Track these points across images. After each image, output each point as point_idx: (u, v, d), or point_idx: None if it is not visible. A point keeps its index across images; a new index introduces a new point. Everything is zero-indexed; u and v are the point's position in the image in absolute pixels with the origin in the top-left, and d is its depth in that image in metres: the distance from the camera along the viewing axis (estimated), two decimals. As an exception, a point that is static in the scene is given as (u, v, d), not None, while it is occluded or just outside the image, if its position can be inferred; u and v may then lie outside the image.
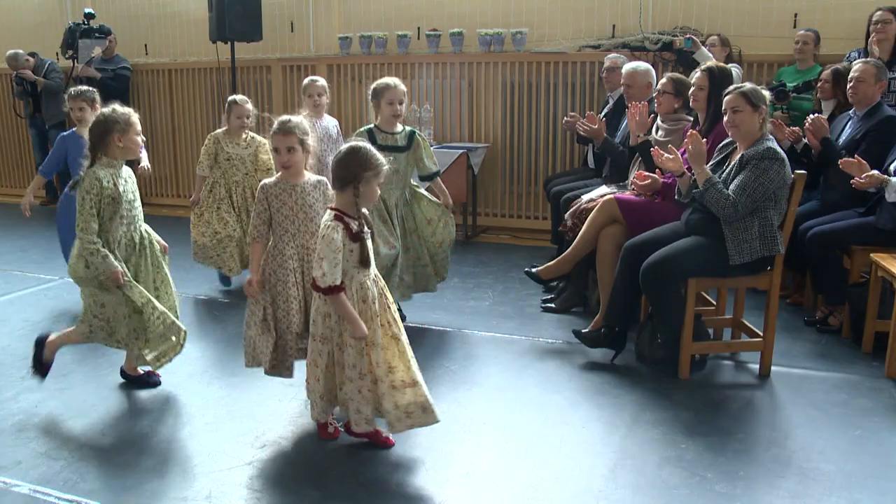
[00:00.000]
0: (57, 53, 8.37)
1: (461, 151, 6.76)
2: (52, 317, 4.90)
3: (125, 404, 3.70)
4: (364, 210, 3.07)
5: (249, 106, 5.28)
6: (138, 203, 3.73)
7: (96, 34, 7.93)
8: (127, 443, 3.32)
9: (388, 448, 3.23)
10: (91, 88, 5.03)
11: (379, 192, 3.10)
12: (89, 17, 7.85)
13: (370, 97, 4.48)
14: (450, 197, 4.67)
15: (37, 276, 5.75)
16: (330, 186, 3.02)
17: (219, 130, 5.34)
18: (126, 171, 3.67)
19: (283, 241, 3.46)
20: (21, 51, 8.32)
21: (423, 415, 3.10)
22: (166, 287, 3.79)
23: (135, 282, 3.60)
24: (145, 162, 4.97)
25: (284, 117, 3.44)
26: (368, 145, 3.03)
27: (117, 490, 2.94)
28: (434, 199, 4.63)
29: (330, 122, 5.64)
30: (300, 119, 3.45)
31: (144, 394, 3.81)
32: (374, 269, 3.13)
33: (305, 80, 5.60)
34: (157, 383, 3.89)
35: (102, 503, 2.85)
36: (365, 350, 3.05)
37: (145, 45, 8.73)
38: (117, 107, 3.62)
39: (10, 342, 4.48)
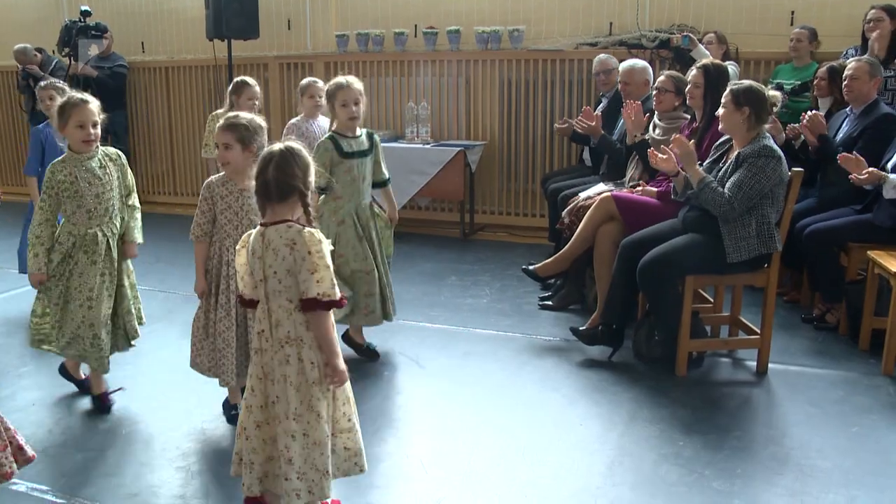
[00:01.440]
0: (53, 51, 8.35)
1: (458, 149, 6.76)
2: (49, 315, 4.89)
3: (123, 403, 3.70)
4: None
5: (258, 89, 5.21)
6: (112, 198, 3.52)
7: (93, 31, 7.90)
8: (125, 441, 3.32)
9: None
10: (59, 80, 4.96)
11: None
12: (86, 14, 7.81)
13: (325, 100, 4.09)
14: (396, 210, 4.34)
15: (34, 275, 5.74)
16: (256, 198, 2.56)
17: (219, 110, 5.25)
18: (100, 161, 3.48)
19: (224, 246, 3.29)
20: (30, 45, 8.30)
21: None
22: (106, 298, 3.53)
23: (51, 287, 3.47)
24: None
25: (233, 113, 3.26)
26: (302, 145, 2.56)
27: (114, 488, 2.94)
28: (380, 210, 4.30)
29: (326, 123, 5.60)
30: (252, 117, 3.21)
31: (143, 393, 3.81)
32: None
33: (305, 81, 5.49)
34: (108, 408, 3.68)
35: (100, 502, 2.86)
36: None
37: (142, 43, 8.71)
38: (71, 94, 3.46)
39: (5, 341, 4.48)
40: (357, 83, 3.99)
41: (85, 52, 7.83)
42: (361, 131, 4.10)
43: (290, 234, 2.44)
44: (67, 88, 4.74)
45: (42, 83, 4.87)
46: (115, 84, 8.15)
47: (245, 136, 3.15)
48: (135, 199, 3.72)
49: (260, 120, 3.22)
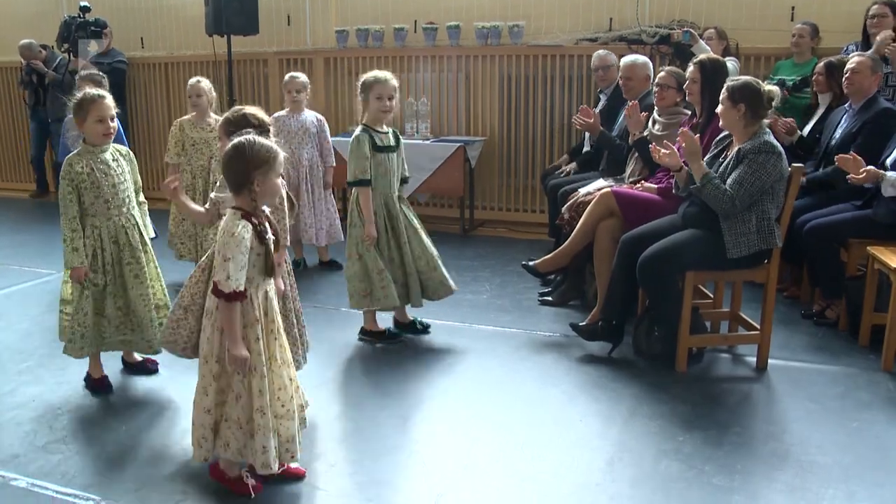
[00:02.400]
0: (52, 46, 8.34)
1: (458, 145, 6.76)
2: (50, 311, 4.88)
3: (123, 398, 3.70)
4: (266, 209, 2.79)
5: (203, 85, 5.26)
6: (127, 189, 3.67)
7: (92, 27, 7.89)
8: (125, 436, 3.32)
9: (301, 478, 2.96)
10: (99, 72, 5.07)
11: (282, 186, 2.75)
12: (85, 10, 7.80)
13: (359, 91, 4.19)
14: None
15: (34, 271, 5.75)
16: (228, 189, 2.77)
17: (185, 116, 5.42)
18: (112, 155, 3.62)
19: None
20: (35, 41, 8.31)
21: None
22: (135, 289, 3.66)
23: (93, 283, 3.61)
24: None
25: (238, 107, 3.27)
26: (254, 137, 2.69)
27: (115, 483, 2.95)
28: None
29: (309, 117, 5.65)
30: (245, 112, 3.19)
31: (142, 387, 3.81)
32: (279, 279, 2.91)
33: (286, 76, 5.64)
34: (153, 370, 3.96)
35: (101, 497, 2.86)
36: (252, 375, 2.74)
37: (141, 39, 8.70)
38: (87, 90, 3.58)
39: (7, 336, 4.48)
40: (394, 80, 4.16)
41: (85, 49, 7.82)
42: (388, 129, 4.26)
43: (227, 218, 2.65)
44: (104, 82, 4.81)
45: (82, 72, 4.96)
46: (114, 80, 8.09)
47: (228, 129, 3.15)
48: (142, 196, 3.87)
49: (259, 115, 3.18)
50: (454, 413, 3.52)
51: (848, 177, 4.21)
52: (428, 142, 6.91)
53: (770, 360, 3.99)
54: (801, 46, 5.79)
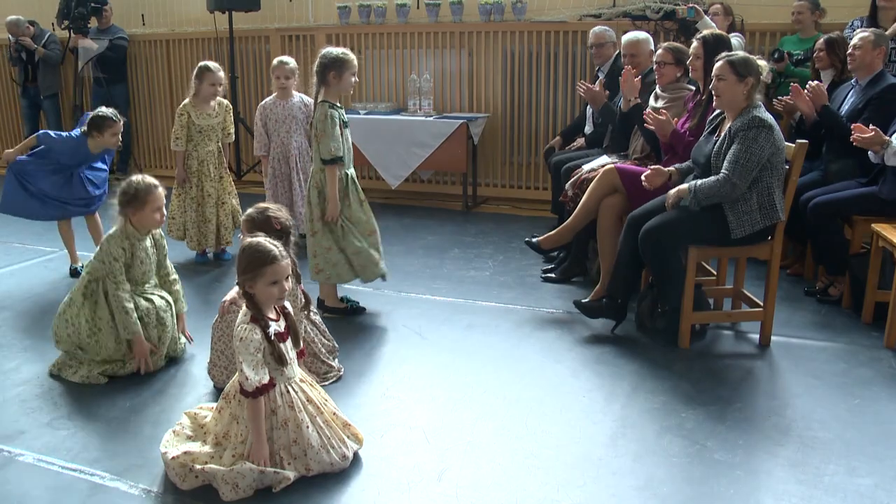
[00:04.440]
0: (53, 23, 8.30)
1: (461, 121, 6.73)
2: (53, 289, 4.90)
3: (128, 375, 3.71)
4: (287, 305, 2.96)
5: (222, 74, 5.17)
6: (150, 270, 3.78)
7: (92, 4, 7.86)
8: (131, 412, 3.34)
9: None
10: (114, 113, 4.81)
11: (277, 292, 2.78)
12: (85, -14, 7.78)
13: (326, 67, 4.08)
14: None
15: (37, 248, 5.75)
16: None
17: (187, 100, 5.24)
18: (150, 240, 3.75)
19: None
20: (22, 17, 8.27)
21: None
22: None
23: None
24: None
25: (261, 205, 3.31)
26: (259, 241, 2.78)
27: (121, 458, 2.96)
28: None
29: (296, 102, 5.51)
30: (259, 211, 3.23)
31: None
32: (297, 371, 2.93)
33: (274, 61, 5.53)
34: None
35: (106, 471, 2.88)
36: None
37: (142, 15, 8.64)
38: (143, 178, 3.64)
39: (11, 314, 4.49)
40: None
41: (87, 52, 7.85)
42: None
43: (238, 319, 2.82)
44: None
45: (102, 113, 4.75)
46: (115, 56, 8.11)
47: (251, 229, 3.16)
48: (174, 274, 3.96)
49: (282, 218, 3.18)
50: (457, 389, 3.53)
51: (853, 136, 4.18)
52: (431, 118, 6.89)
53: (773, 337, 3.99)
54: (803, 23, 5.75)
